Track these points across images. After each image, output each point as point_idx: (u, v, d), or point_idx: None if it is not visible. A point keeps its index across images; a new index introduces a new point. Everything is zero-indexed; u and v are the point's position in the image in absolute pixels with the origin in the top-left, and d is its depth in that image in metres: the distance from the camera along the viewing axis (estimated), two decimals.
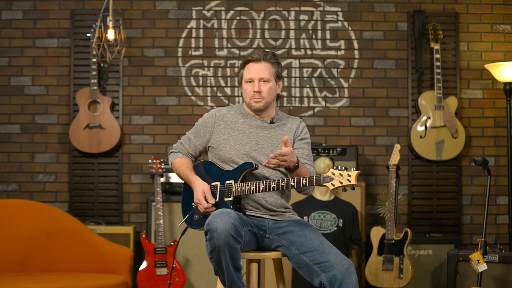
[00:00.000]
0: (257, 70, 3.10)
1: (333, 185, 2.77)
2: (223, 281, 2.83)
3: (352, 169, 2.79)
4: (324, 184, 2.80)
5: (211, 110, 3.25)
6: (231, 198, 3.00)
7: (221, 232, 2.71)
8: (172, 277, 4.65)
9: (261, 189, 2.94)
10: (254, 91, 3.09)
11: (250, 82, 3.11)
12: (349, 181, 2.76)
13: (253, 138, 3.11)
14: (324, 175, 2.81)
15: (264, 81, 3.10)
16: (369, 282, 4.72)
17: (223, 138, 3.12)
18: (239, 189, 2.99)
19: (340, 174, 2.77)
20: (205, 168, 3.15)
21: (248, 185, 2.97)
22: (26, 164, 5.33)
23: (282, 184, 2.91)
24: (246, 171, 3.01)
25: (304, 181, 2.86)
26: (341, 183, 2.76)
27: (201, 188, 3.03)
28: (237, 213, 2.88)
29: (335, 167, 2.80)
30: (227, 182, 3.03)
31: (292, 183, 2.90)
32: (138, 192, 5.33)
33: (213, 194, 3.04)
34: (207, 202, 3.01)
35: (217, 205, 3.03)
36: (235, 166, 3.05)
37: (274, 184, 2.92)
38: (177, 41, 5.40)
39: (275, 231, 3.04)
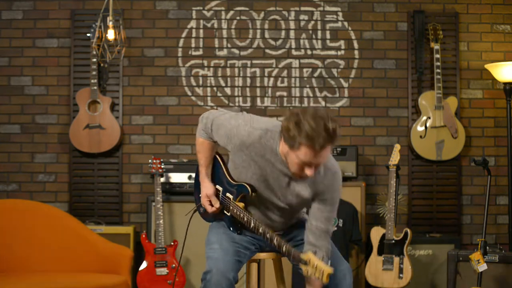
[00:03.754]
0: (319, 158, 2.61)
1: (302, 270, 2.61)
2: None
3: (328, 265, 2.57)
4: (296, 264, 2.68)
5: (246, 127, 2.81)
6: (229, 214, 2.96)
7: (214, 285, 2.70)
8: (172, 277, 4.65)
9: (251, 227, 2.84)
10: (307, 174, 2.68)
11: (306, 165, 2.64)
12: (318, 278, 2.54)
13: (271, 181, 2.84)
14: (301, 256, 2.62)
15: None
16: (369, 282, 4.72)
17: (242, 165, 2.87)
18: (234, 210, 2.91)
19: (314, 265, 2.56)
20: (215, 165, 3.07)
21: (242, 214, 2.87)
22: (26, 164, 5.33)
23: (275, 243, 2.76)
24: (241, 196, 2.89)
25: (284, 249, 2.72)
26: (309, 273, 2.58)
27: (204, 193, 3.00)
28: (237, 237, 2.88)
29: (316, 256, 2.64)
30: (228, 194, 2.95)
31: (283, 251, 2.75)
32: (138, 192, 5.33)
33: (216, 197, 3.02)
34: (212, 206, 2.99)
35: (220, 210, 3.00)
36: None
37: (269, 236, 2.78)
38: (177, 41, 5.40)
39: None
